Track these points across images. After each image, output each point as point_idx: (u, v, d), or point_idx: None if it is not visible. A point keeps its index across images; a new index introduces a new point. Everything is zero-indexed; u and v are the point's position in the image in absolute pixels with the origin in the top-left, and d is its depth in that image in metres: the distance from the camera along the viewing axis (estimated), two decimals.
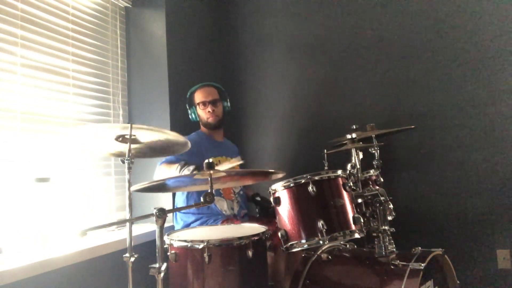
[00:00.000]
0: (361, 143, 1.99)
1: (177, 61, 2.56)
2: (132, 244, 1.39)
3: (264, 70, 3.04)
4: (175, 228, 2.17)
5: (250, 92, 3.07)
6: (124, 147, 1.43)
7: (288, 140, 2.93)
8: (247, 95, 3.07)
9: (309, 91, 2.89)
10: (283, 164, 2.91)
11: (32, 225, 1.60)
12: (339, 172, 1.71)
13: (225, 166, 1.88)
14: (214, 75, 2.94)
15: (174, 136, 1.48)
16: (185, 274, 1.50)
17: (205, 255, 1.43)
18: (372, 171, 2.13)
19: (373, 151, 2.13)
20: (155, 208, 1.24)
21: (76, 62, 2.10)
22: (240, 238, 1.48)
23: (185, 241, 1.50)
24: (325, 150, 2.26)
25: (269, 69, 3.02)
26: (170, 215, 2.30)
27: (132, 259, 1.37)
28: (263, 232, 1.57)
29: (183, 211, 2.17)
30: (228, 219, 2.11)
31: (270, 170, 1.51)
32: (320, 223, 1.57)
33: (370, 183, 2.09)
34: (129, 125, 1.34)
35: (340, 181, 1.70)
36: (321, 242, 1.58)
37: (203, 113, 2.29)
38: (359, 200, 1.74)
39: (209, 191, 1.28)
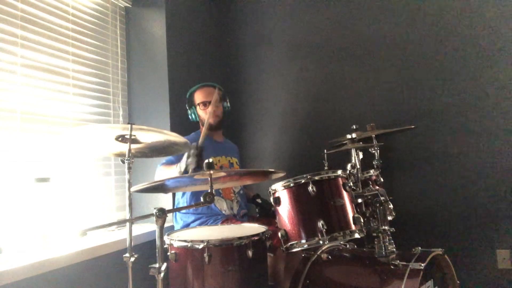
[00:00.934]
0: (361, 143, 1.99)
1: (177, 61, 2.56)
2: (132, 244, 1.39)
3: (264, 70, 3.04)
4: (175, 228, 2.17)
5: (250, 92, 3.07)
6: (124, 147, 1.43)
7: (288, 140, 2.93)
8: (247, 95, 3.07)
9: (309, 91, 2.89)
10: (283, 164, 2.91)
11: (32, 225, 1.60)
12: (339, 172, 1.71)
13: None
14: (214, 75, 2.94)
15: (174, 136, 1.48)
16: (185, 274, 1.49)
17: (205, 255, 1.43)
18: (372, 171, 2.13)
19: (373, 151, 2.13)
20: (155, 208, 1.24)
21: (76, 62, 2.10)
22: (240, 238, 1.48)
23: (185, 241, 1.50)
24: (325, 150, 2.26)
25: (269, 68, 3.02)
26: (170, 215, 2.30)
27: (132, 259, 1.37)
28: (263, 232, 1.57)
29: (183, 211, 2.16)
30: (228, 219, 2.11)
31: (270, 170, 1.52)
32: (320, 223, 1.57)
33: (370, 183, 2.10)
34: (129, 125, 1.34)
35: (340, 181, 1.70)
36: (321, 242, 1.58)
37: (203, 113, 2.28)
38: (359, 200, 1.74)
39: (209, 191, 1.28)
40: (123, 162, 1.45)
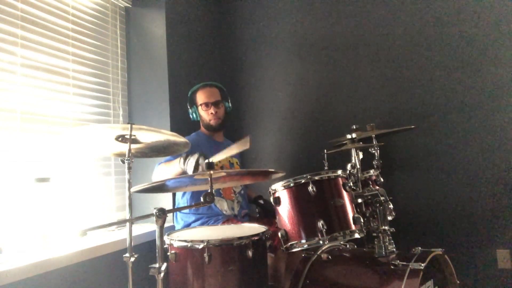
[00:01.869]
0: (361, 143, 1.99)
1: (177, 61, 2.56)
2: (132, 244, 1.39)
3: (264, 69, 3.04)
4: (175, 228, 2.17)
5: (250, 92, 3.07)
6: (124, 147, 1.43)
7: (288, 140, 2.93)
8: (247, 95, 3.07)
9: (310, 91, 2.89)
10: (283, 164, 2.91)
11: (32, 225, 1.60)
12: (339, 172, 1.71)
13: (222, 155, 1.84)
14: (214, 75, 2.94)
15: (174, 136, 1.48)
16: (185, 274, 1.50)
17: (205, 255, 1.43)
18: (372, 171, 2.13)
19: (373, 151, 2.13)
20: (155, 208, 1.24)
21: (76, 62, 2.10)
22: (240, 238, 1.48)
23: (185, 241, 1.50)
24: (325, 150, 2.26)
25: (269, 68, 3.03)
26: (170, 215, 2.30)
27: (132, 259, 1.37)
28: (263, 232, 1.57)
29: (183, 211, 2.16)
30: (229, 220, 2.10)
31: (270, 170, 1.52)
32: (320, 223, 1.57)
33: (370, 183, 2.09)
34: (129, 125, 1.34)
35: (340, 181, 1.70)
36: (321, 242, 1.58)
37: (205, 114, 2.27)
38: (359, 200, 1.74)
39: (209, 191, 1.28)
40: (123, 162, 1.45)
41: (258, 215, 2.30)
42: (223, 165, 2.24)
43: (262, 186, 2.42)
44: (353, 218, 1.63)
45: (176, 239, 1.52)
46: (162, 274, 1.25)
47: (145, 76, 2.47)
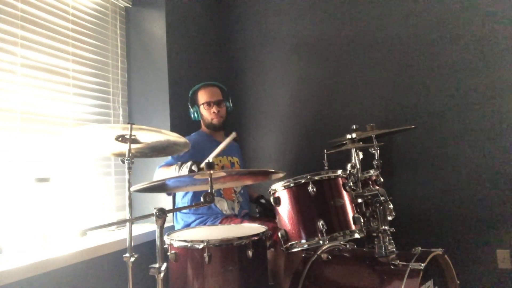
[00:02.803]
0: (361, 143, 1.99)
1: (177, 61, 2.56)
2: (132, 244, 1.39)
3: (264, 69, 3.04)
4: (175, 228, 2.17)
5: (250, 92, 3.07)
6: (124, 147, 1.43)
7: (288, 140, 2.93)
8: (247, 95, 3.07)
9: (310, 91, 2.89)
10: (283, 164, 2.91)
11: (32, 225, 1.60)
12: (339, 172, 1.71)
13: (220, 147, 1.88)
14: (214, 75, 2.94)
15: (174, 136, 1.48)
16: (185, 274, 1.50)
17: (205, 255, 1.43)
18: (372, 171, 2.13)
19: (373, 151, 2.12)
20: (155, 208, 1.24)
21: (76, 62, 2.10)
22: (240, 238, 1.48)
23: (185, 241, 1.50)
24: (325, 150, 2.26)
25: (269, 68, 3.03)
26: (170, 215, 2.30)
27: (132, 259, 1.37)
28: (263, 232, 1.57)
29: (183, 211, 2.16)
30: (228, 218, 2.10)
31: (270, 170, 1.52)
32: (320, 223, 1.57)
33: (370, 183, 2.09)
34: (129, 125, 1.34)
35: (340, 181, 1.70)
36: (321, 242, 1.58)
37: (208, 114, 2.28)
38: (359, 200, 1.74)
39: (209, 191, 1.28)
40: (123, 162, 1.45)
41: (258, 215, 2.30)
42: (223, 165, 2.24)
43: (262, 186, 2.42)
44: (353, 218, 1.63)
45: (176, 239, 1.52)
46: (162, 274, 1.25)
47: (145, 76, 2.47)
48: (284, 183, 1.68)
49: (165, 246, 1.50)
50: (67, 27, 2.06)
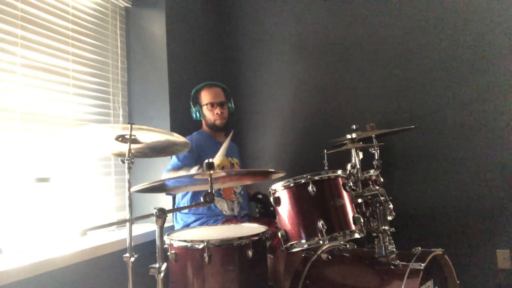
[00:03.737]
0: (361, 143, 1.99)
1: (177, 61, 2.56)
2: (132, 244, 1.39)
3: (264, 70, 3.04)
4: (175, 228, 2.17)
5: (250, 92, 3.07)
6: (124, 147, 1.43)
7: (288, 140, 2.93)
8: (247, 95, 3.07)
9: (310, 91, 2.89)
10: (283, 164, 2.91)
11: (32, 225, 1.60)
12: (339, 172, 1.71)
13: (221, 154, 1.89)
14: (214, 75, 2.94)
15: (174, 136, 1.48)
16: (185, 274, 1.50)
17: (205, 255, 1.43)
18: (372, 171, 2.13)
19: (373, 151, 2.12)
20: (155, 208, 1.24)
21: (76, 62, 2.10)
22: (240, 238, 1.48)
23: (185, 241, 1.50)
24: (325, 150, 2.26)
25: (269, 68, 3.02)
26: (170, 215, 2.30)
27: (132, 259, 1.37)
28: (263, 232, 1.57)
29: (183, 211, 2.16)
30: (228, 220, 2.10)
31: (270, 170, 1.52)
32: (320, 223, 1.57)
33: (370, 183, 2.09)
34: (129, 125, 1.34)
35: (340, 181, 1.70)
36: (321, 242, 1.58)
37: (211, 114, 2.27)
38: (359, 200, 1.74)
39: (209, 191, 1.28)
40: (123, 162, 1.45)
41: (258, 215, 2.30)
42: (224, 165, 2.24)
43: (262, 186, 2.42)
44: (353, 218, 1.63)
45: (176, 239, 1.52)
46: (162, 274, 1.25)
47: (145, 76, 2.47)
48: (284, 183, 1.68)
49: (165, 246, 1.50)
50: (67, 27, 2.06)
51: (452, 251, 1.81)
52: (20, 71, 1.77)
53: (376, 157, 2.12)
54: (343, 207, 1.65)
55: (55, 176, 1.84)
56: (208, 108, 2.27)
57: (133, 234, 1.41)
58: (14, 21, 1.75)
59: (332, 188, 1.67)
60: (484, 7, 2.43)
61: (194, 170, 1.89)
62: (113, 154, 1.59)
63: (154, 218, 1.24)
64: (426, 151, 2.54)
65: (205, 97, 2.29)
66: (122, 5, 2.49)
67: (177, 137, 1.49)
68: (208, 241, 1.44)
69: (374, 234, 1.68)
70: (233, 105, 2.38)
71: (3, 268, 1.37)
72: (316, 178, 1.65)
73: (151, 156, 1.67)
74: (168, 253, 1.50)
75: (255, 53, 3.08)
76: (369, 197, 1.73)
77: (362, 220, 1.64)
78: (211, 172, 1.29)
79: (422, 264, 1.49)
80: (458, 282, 1.72)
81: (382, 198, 1.67)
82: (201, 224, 2.10)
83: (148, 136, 1.47)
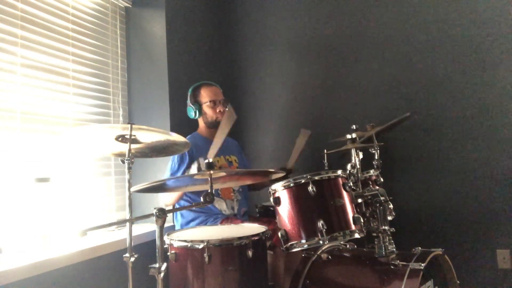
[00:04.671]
0: (360, 143, 1.99)
1: (177, 61, 2.55)
2: (132, 244, 1.39)
3: (265, 69, 3.04)
4: (175, 225, 2.17)
5: (250, 91, 3.07)
6: (124, 147, 1.43)
7: (288, 140, 2.92)
8: (247, 95, 3.07)
9: (309, 91, 2.89)
10: (283, 164, 2.90)
11: (32, 225, 1.60)
12: (339, 172, 1.71)
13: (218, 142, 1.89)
14: (214, 75, 2.93)
15: (174, 136, 1.48)
16: (185, 274, 1.50)
17: (205, 255, 1.43)
18: (372, 171, 2.13)
19: (373, 151, 2.13)
20: (155, 208, 1.24)
21: (76, 62, 2.10)
22: (240, 238, 1.48)
23: (185, 241, 1.50)
24: (325, 150, 2.26)
25: (269, 68, 3.02)
26: (170, 215, 2.29)
27: (132, 259, 1.37)
28: (263, 232, 1.57)
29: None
30: (228, 218, 2.10)
31: (270, 170, 1.52)
32: (320, 223, 1.57)
33: (370, 183, 2.09)
34: (129, 125, 1.34)
35: (340, 181, 1.70)
36: (321, 242, 1.58)
37: (213, 112, 2.24)
38: (359, 200, 1.74)
39: (209, 191, 1.28)
40: (123, 162, 1.45)
41: (258, 215, 2.30)
42: (221, 165, 2.22)
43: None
44: (353, 218, 1.63)
45: (176, 239, 1.52)
46: (162, 274, 1.25)
47: (145, 76, 2.47)
48: (284, 183, 1.68)
49: (165, 246, 1.50)
50: (67, 27, 2.06)
51: (452, 251, 1.81)
52: (20, 71, 1.77)
53: (376, 157, 2.12)
54: (343, 207, 1.65)
55: (55, 176, 1.84)
56: (210, 105, 2.24)
57: (133, 234, 1.41)
58: (14, 21, 1.75)
59: (332, 188, 1.67)
60: (487, 6, 2.43)
61: (194, 168, 1.89)
62: (113, 154, 1.59)
63: (154, 218, 1.24)
64: (426, 151, 2.54)
65: (206, 94, 2.26)
66: (122, 5, 2.49)
67: (177, 137, 1.49)
68: (208, 241, 1.44)
69: (374, 234, 1.68)
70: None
71: (3, 268, 1.37)
72: (316, 178, 1.65)
73: (151, 156, 1.67)
74: (168, 253, 1.50)
75: (255, 52, 3.08)
76: (369, 197, 1.72)
77: (362, 220, 1.64)
78: (211, 172, 1.29)
79: (422, 264, 1.49)
80: (458, 282, 1.72)
81: (382, 198, 1.67)
82: (201, 222, 2.10)
83: (148, 136, 1.47)
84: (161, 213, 1.24)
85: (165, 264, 1.26)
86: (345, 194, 1.68)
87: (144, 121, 2.37)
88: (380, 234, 1.64)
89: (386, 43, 2.67)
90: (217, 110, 2.24)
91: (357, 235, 1.62)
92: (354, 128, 2.01)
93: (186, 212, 2.16)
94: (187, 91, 2.36)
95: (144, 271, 1.27)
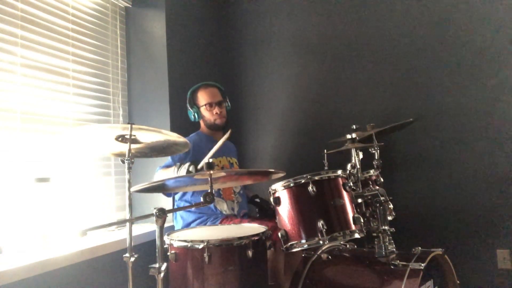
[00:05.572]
0: (360, 142, 1.99)
1: (177, 61, 2.56)
2: (132, 244, 1.39)
3: (264, 69, 3.04)
4: (175, 228, 2.17)
5: (250, 91, 3.07)
6: (124, 147, 1.43)
7: (288, 140, 2.93)
8: (247, 95, 3.07)
9: (309, 91, 2.89)
10: (283, 164, 2.91)
11: (32, 225, 1.60)
12: (339, 172, 1.71)
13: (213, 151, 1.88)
14: (214, 75, 2.94)
15: (174, 136, 1.48)
16: (185, 274, 1.50)
17: (205, 255, 1.43)
18: (372, 171, 2.13)
19: (373, 151, 2.12)
20: (155, 208, 1.24)
21: (76, 62, 2.10)
22: (240, 238, 1.48)
23: (185, 241, 1.50)
24: (325, 150, 2.26)
25: (269, 68, 3.02)
26: (170, 215, 2.29)
27: (132, 259, 1.37)
28: (263, 232, 1.57)
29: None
30: (228, 218, 2.10)
31: (270, 170, 1.52)
32: (320, 223, 1.57)
33: (370, 183, 2.09)
34: (129, 125, 1.34)
35: (340, 181, 1.70)
36: (321, 242, 1.58)
37: (210, 115, 2.26)
38: (359, 200, 1.74)
39: (209, 191, 1.28)
40: (123, 162, 1.45)
41: (258, 215, 2.30)
42: (223, 165, 2.24)
43: (262, 186, 2.42)
44: (353, 218, 1.63)
45: (176, 239, 1.52)
46: (162, 274, 1.25)
47: (145, 76, 2.47)
48: (284, 183, 1.68)
49: (165, 246, 1.50)
50: (67, 27, 2.06)
51: (452, 251, 1.81)
52: (20, 71, 1.77)
53: (376, 157, 2.12)
54: (343, 207, 1.65)
55: (55, 176, 1.84)
56: (206, 108, 2.26)
57: (133, 234, 1.41)
58: (14, 21, 1.75)
59: (332, 188, 1.67)
60: (486, 9, 2.43)
61: (184, 167, 1.89)
62: (113, 154, 1.59)
63: (154, 218, 1.25)
64: (426, 151, 2.54)
65: (202, 97, 2.27)
66: (122, 5, 2.49)
67: (177, 137, 1.49)
68: (208, 241, 1.44)
69: (374, 234, 1.68)
70: (229, 104, 2.38)
71: (3, 268, 1.37)
72: (316, 178, 1.65)
73: (151, 156, 1.67)
74: (168, 253, 1.50)
75: (255, 52, 3.07)
76: (369, 197, 1.73)
77: (362, 220, 1.64)
78: (211, 172, 1.29)
79: (422, 264, 1.49)
80: (458, 282, 1.72)
81: (382, 198, 1.67)
82: (201, 222, 2.10)
83: (148, 136, 1.47)
84: (161, 213, 1.24)
85: (165, 264, 1.26)
86: (345, 194, 1.68)
87: (144, 121, 2.37)
88: (380, 234, 1.64)
89: (386, 43, 2.67)
90: (214, 112, 2.24)
91: (357, 235, 1.62)
92: (354, 128, 2.01)
93: (185, 214, 2.16)
94: (187, 91, 2.37)
95: (144, 271, 1.27)
